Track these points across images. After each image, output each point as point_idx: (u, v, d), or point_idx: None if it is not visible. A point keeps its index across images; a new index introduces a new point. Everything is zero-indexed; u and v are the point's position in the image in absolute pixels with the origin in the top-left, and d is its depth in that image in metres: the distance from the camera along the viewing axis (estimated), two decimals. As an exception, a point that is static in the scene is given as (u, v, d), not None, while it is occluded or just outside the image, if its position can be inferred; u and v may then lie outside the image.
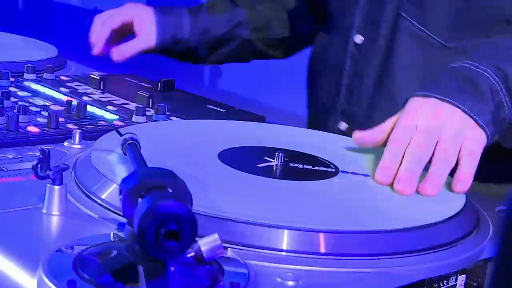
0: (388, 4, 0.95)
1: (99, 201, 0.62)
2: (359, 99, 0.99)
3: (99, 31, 1.18)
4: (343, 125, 1.02)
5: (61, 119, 0.86)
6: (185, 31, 1.19)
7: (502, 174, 0.91)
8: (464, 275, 0.60)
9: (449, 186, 0.72)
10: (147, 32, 1.17)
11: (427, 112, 0.74)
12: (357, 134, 0.78)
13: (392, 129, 0.75)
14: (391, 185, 0.70)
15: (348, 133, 0.99)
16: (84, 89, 1.07)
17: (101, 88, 1.08)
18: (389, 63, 0.96)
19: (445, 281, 0.58)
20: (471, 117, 0.74)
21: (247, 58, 1.27)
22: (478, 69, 0.78)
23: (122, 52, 1.17)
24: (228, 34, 1.20)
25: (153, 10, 1.18)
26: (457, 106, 0.74)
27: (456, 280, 0.59)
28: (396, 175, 0.70)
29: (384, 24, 0.96)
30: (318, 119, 1.08)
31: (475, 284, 0.60)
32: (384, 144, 0.75)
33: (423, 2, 0.92)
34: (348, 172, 0.73)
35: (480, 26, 0.90)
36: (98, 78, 1.09)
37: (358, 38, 0.99)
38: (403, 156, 0.71)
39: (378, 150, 0.79)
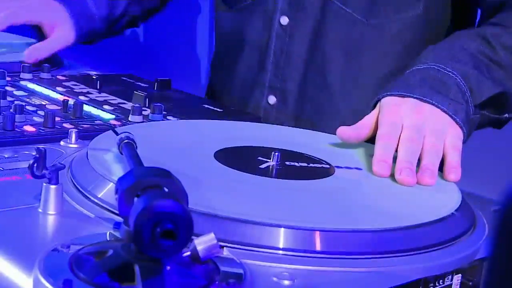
0: None
1: (95, 200, 0.62)
2: (289, 75, 1.07)
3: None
4: (272, 99, 1.08)
5: (57, 119, 0.86)
6: (95, 20, 1.21)
7: None
8: (460, 275, 0.60)
9: (444, 184, 0.72)
10: (64, 32, 1.16)
11: (409, 110, 0.78)
12: (341, 130, 0.81)
13: (374, 124, 0.79)
14: (388, 182, 0.71)
15: (278, 106, 1.08)
16: (80, 88, 1.07)
17: (98, 87, 1.07)
18: (317, 41, 1.04)
19: (440, 281, 0.58)
20: (450, 116, 0.79)
21: (138, 23, 1.36)
22: (445, 71, 0.83)
23: (36, 53, 1.14)
24: (123, 14, 1.27)
25: (62, 4, 1.17)
26: (436, 106, 0.79)
27: (451, 280, 0.59)
28: (393, 168, 0.72)
29: (310, 7, 1.04)
30: (239, 94, 1.13)
31: (470, 283, 0.61)
32: (367, 139, 0.80)
33: None
34: (341, 167, 0.74)
35: (393, 3, 1.01)
36: (94, 77, 1.09)
37: (284, 20, 1.06)
38: (396, 151, 0.75)
39: (368, 146, 0.80)
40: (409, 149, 0.74)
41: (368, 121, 0.81)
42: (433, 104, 0.79)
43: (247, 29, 1.12)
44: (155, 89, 1.11)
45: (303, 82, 1.06)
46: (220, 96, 1.19)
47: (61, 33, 1.15)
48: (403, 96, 0.80)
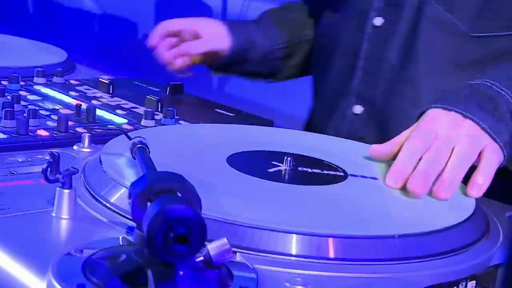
0: None
1: (108, 205, 0.62)
2: (376, 83, 0.98)
3: (156, 29, 1.11)
4: (358, 109, 1.00)
5: (70, 123, 0.86)
6: (257, 34, 1.13)
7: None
8: (474, 281, 0.59)
9: (459, 191, 0.71)
10: (218, 35, 1.09)
11: (448, 122, 0.74)
12: (374, 148, 0.77)
13: None
14: (401, 189, 0.70)
15: (363, 116, 0.99)
16: (93, 93, 1.07)
17: (110, 92, 1.08)
18: (411, 48, 0.95)
19: (454, 287, 0.58)
20: (490, 135, 0.74)
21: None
22: (498, 89, 0.78)
23: (194, 47, 1.08)
24: (295, 38, 1.16)
25: (220, 21, 1.14)
26: (477, 123, 0.74)
27: (466, 286, 0.59)
28: (407, 178, 0.70)
29: (408, 8, 0.95)
30: (327, 101, 1.06)
31: (485, 290, 0.60)
32: None
33: None
34: (356, 176, 0.73)
35: (504, 18, 0.91)
36: (107, 82, 1.09)
37: (378, 20, 0.98)
38: (418, 161, 0.71)
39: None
40: (431, 160, 0.70)
41: (402, 137, 0.76)
42: (474, 121, 0.74)
43: (340, 31, 1.04)
44: (168, 93, 1.12)
45: (390, 91, 0.97)
46: (314, 101, 1.13)
47: (216, 37, 1.09)
48: (447, 110, 0.76)
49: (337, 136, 0.93)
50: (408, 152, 0.72)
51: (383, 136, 0.93)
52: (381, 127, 0.97)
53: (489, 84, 0.78)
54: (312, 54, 1.16)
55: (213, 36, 1.10)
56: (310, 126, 1.12)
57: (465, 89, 0.79)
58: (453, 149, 0.72)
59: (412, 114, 0.87)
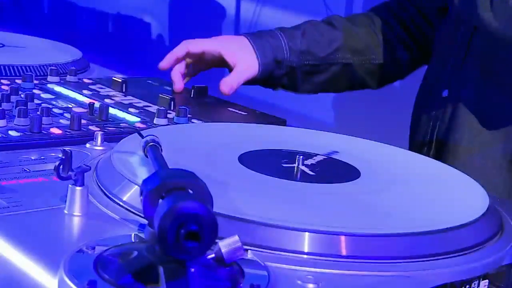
0: None
1: (120, 202, 0.62)
2: (464, 85, 1.01)
3: (175, 50, 1.13)
4: (445, 92, 1.04)
5: (83, 121, 0.86)
6: (285, 51, 1.13)
7: None
8: (487, 280, 0.59)
9: (471, 187, 0.71)
10: (246, 61, 1.10)
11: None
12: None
13: None
14: (415, 186, 0.70)
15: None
16: (106, 91, 1.07)
17: (123, 90, 1.08)
18: (496, 50, 0.97)
19: (467, 286, 0.57)
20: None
21: (341, 86, 1.22)
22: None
23: (229, 84, 1.09)
24: (328, 58, 1.16)
25: (245, 36, 1.13)
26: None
27: (478, 285, 0.58)
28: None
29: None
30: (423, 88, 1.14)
31: (498, 289, 0.60)
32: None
33: None
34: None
35: None
36: (120, 80, 1.09)
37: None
38: None
39: (400, 154, 0.79)
40: None
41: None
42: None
43: (442, 36, 1.09)
44: (192, 96, 1.11)
45: (477, 95, 0.99)
46: None
47: (244, 64, 1.10)
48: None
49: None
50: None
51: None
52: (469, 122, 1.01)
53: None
54: (343, 76, 1.18)
55: (244, 65, 1.10)
56: None
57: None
58: None
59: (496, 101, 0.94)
